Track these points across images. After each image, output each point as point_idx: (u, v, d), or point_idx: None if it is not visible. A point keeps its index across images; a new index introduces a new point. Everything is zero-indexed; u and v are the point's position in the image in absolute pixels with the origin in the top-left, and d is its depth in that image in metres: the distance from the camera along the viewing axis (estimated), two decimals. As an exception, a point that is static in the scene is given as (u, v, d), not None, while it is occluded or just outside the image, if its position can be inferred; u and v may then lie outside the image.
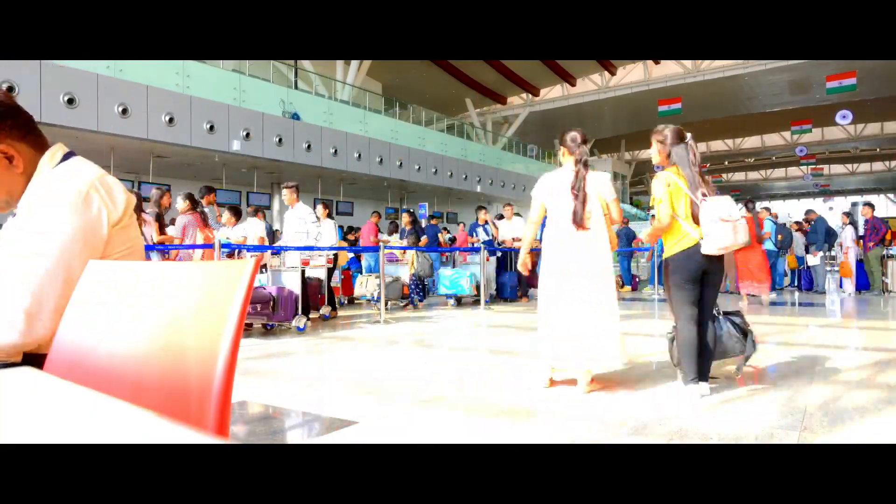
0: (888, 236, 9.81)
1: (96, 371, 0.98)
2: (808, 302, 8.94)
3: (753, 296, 8.57)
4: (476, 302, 8.54)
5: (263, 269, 6.23)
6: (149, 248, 5.95)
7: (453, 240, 12.60)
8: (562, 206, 3.28)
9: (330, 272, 7.15)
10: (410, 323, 6.73)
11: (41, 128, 1.38)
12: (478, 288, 8.48)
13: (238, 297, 0.83)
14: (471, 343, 5.26)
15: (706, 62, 22.63)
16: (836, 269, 10.17)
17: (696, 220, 3.06)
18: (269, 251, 6.48)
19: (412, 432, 2.56)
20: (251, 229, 6.80)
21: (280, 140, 12.41)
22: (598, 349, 3.17)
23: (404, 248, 8.57)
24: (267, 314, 5.66)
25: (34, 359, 1.24)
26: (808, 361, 4.02)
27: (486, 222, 9.49)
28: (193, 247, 5.98)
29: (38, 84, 8.52)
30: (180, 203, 6.36)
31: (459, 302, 8.91)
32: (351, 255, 9.49)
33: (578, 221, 3.21)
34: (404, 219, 9.32)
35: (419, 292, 8.64)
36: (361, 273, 9.52)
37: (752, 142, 36.30)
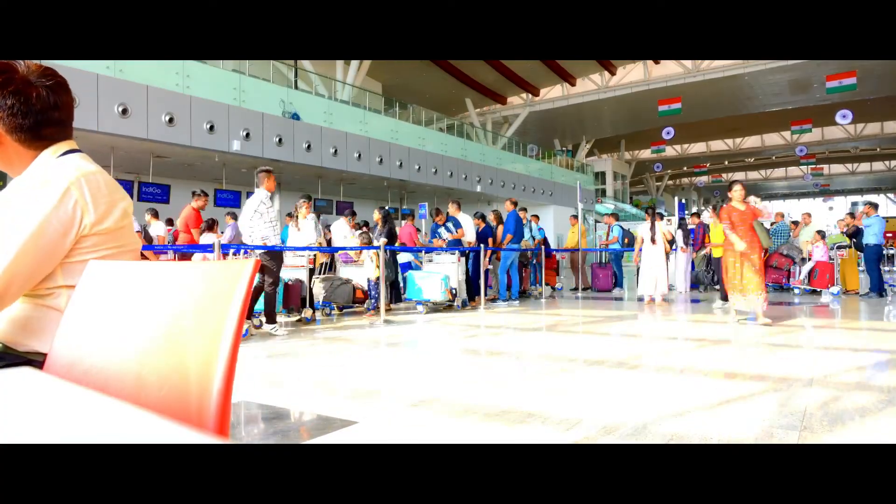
0: (707, 240, 10.19)
1: (96, 371, 0.98)
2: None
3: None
4: (450, 307, 8.05)
5: None
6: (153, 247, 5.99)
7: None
8: None
9: (311, 273, 7.08)
10: (407, 325, 6.73)
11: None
12: (452, 292, 7.92)
13: (238, 296, 0.83)
14: (467, 344, 5.26)
15: (706, 62, 22.63)
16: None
17: None
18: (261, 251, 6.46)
19: (412, 432, 2.56)
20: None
21: (280, 140, 12.40)
22: None
23: (396, 249, 8.39)
24: None
25: (34, 359, 1.24)
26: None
27: (446, 223, 8.64)
28: (192, 248, 5.98)
29: (38, 84, 8.51)
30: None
31: (432, 308, 7.97)
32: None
33: None
34: (375, 215, 8.42)
35: (376, 297, 7.30)
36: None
37: (752, 142, 36.30)
